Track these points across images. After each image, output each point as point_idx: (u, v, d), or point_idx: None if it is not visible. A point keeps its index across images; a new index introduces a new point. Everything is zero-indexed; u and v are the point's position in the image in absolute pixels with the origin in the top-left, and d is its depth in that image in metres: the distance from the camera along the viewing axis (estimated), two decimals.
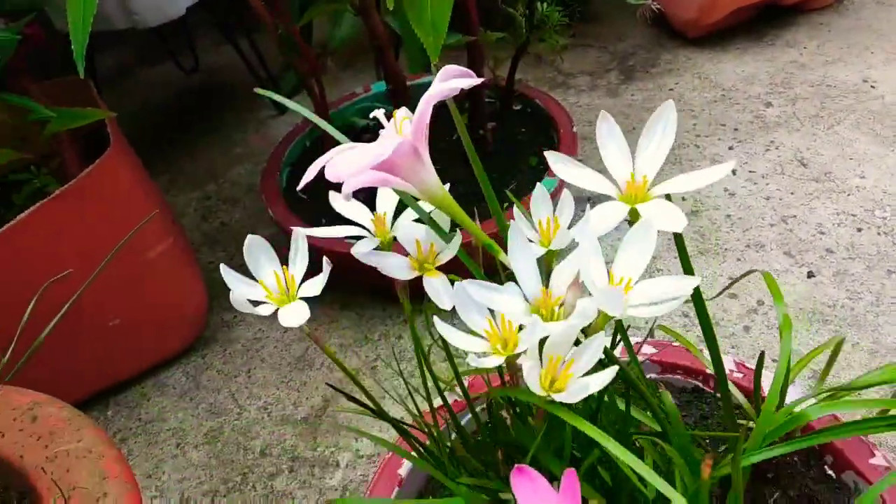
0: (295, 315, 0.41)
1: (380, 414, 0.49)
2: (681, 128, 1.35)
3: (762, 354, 0.52)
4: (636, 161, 0.40)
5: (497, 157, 1.13)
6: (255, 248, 0.44)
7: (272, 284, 0.43)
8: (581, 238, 0.36)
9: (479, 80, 0.38)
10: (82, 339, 0.96)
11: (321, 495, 0.88)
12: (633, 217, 0.38)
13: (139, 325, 1.02)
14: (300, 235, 0.44)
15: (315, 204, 1.13)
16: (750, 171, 1.24)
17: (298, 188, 0.40)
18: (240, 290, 0.42)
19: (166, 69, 1.90)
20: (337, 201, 0.46)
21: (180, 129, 1.67)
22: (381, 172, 0.37)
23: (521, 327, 0.37)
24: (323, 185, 0.36)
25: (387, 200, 0.47)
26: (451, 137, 1.17)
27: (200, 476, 0.94)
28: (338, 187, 0.35)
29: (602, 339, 0.37)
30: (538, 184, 0.47)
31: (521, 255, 0.39)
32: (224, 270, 0.42)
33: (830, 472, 0.60)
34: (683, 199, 1.19)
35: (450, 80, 0.37)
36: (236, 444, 0.97)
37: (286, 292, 0.43)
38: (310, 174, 0.36)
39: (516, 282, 0.38)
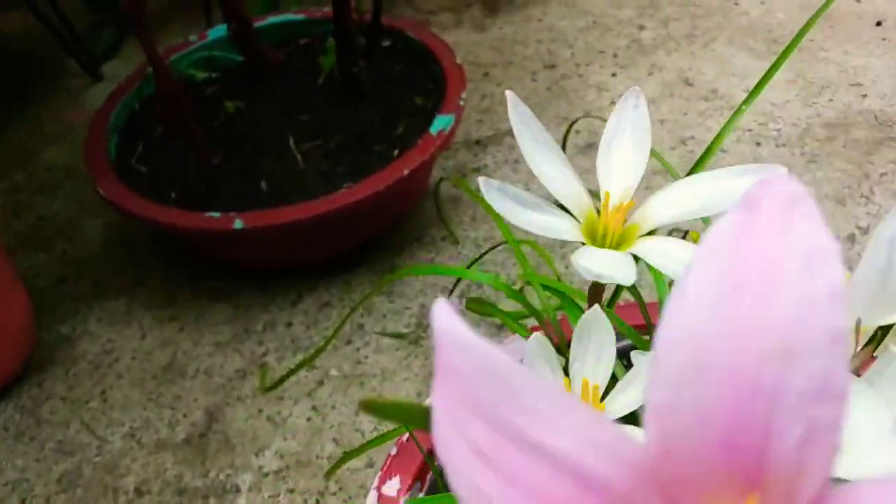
0: None
1: None
2: (559, 58, 1.25)
3: None
4: None
5: (376, 99, 0.97)
6: None
7: None
8: None
9: None
10: None
11: None
12: None
13: None
14: None
15: (156, 175, 0.92)
16: None
17: None
18: None
19: None
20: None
21: None
22: None
23: None
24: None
25: None
26: (318, 82, 1.00)
27: None
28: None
29: None
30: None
31: None
32: None
33: None
34: (577, 132, 1.09)
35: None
36: (102, 485, 0.76)
37: None
38: None
39: None
